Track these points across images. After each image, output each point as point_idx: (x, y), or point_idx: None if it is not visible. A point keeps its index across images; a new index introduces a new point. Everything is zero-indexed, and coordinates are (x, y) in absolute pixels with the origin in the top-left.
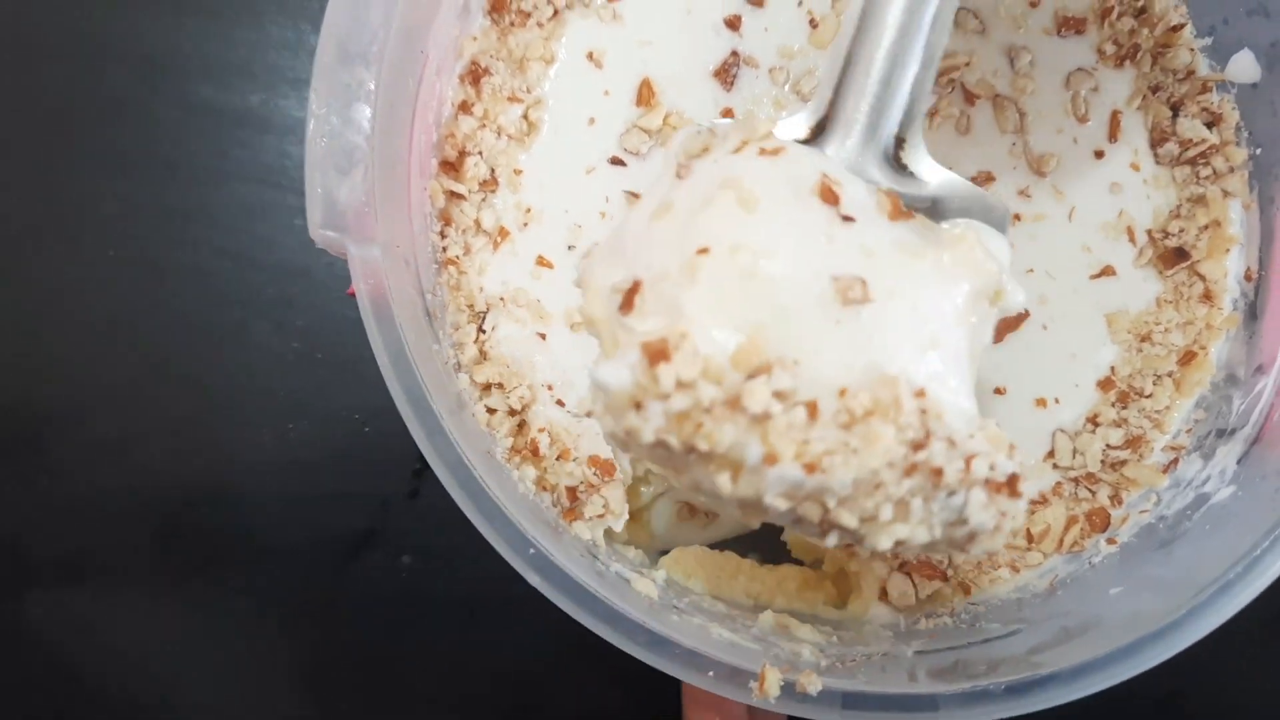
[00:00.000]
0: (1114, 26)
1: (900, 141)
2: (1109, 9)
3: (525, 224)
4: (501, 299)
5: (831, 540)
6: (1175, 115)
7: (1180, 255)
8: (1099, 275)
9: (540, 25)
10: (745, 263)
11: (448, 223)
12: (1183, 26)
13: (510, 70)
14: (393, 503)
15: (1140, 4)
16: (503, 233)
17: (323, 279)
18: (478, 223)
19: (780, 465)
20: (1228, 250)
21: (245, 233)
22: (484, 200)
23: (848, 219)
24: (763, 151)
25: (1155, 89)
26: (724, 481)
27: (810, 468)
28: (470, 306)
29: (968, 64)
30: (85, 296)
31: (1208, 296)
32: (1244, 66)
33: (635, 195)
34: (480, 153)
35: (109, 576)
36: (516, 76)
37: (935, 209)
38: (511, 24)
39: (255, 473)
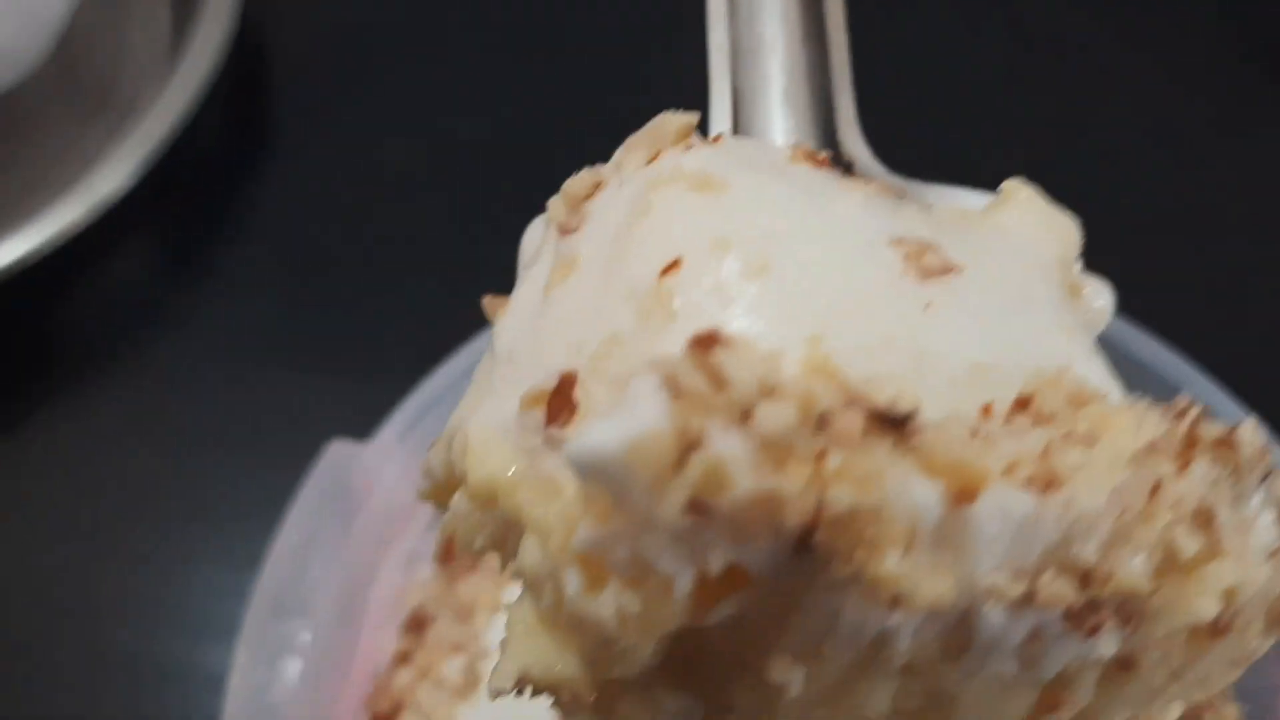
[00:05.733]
0: None
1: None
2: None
3: None
4: None
5: (1105, 648)
6: None
7: None
8: None
9: (493, 570)
10: (748, 255)
11: None
12: None
13: (455, 618)
14: None
15: None
16: None
17: None
18: None
19: (990, 492)
20: None
21: None
22: None
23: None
24: (690, 148)
25: None
26: (893, 568)
27: (1045, 481)
28: None
29: None
30: None
31: None
32: None
33: (497, 302)
34: (417, 705)
35: None
36: (462, 625)
37: None
38: (463, 571)
39: None
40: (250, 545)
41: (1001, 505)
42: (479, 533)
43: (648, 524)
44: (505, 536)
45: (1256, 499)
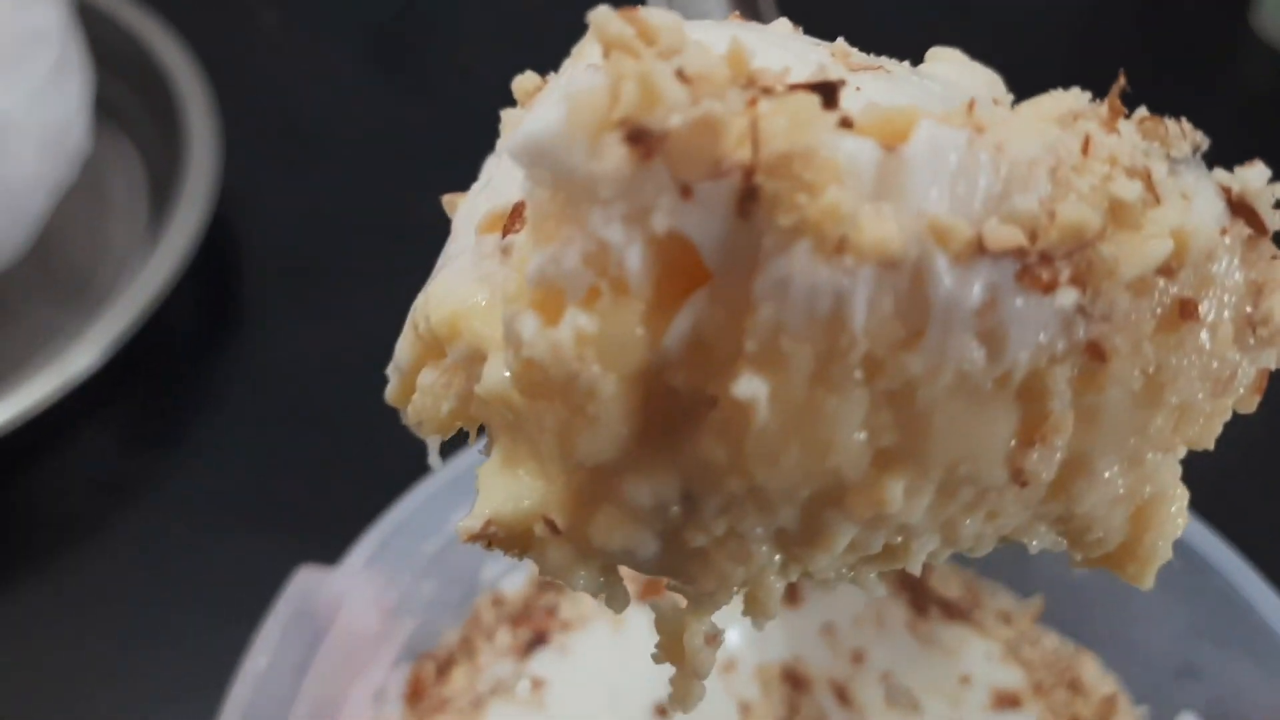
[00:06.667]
0: (1049, 698)
1: None
2: (1041, 683)
3: None
4: None
5: (1064, 300)
6: None
7: None
8: None
9: (461, 712)
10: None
11: None
12: (1116, 695)
13: None
14: None
15: (1070, 676)
16: None
17: None
18: None
19: (921, 129)
20: None
21: None
22: None
23: None
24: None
25: None
26: (835, 201)
27: (975, 128)
28: None
29: None
30: None
31: None
32: None
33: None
34: None
35: None
36: None
37: None
38: (430, 711)
39: None
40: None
41: (934, 143)
42: (445, 396)
43: (592, 194)
44: (470, 387)
45: (1190, 174)
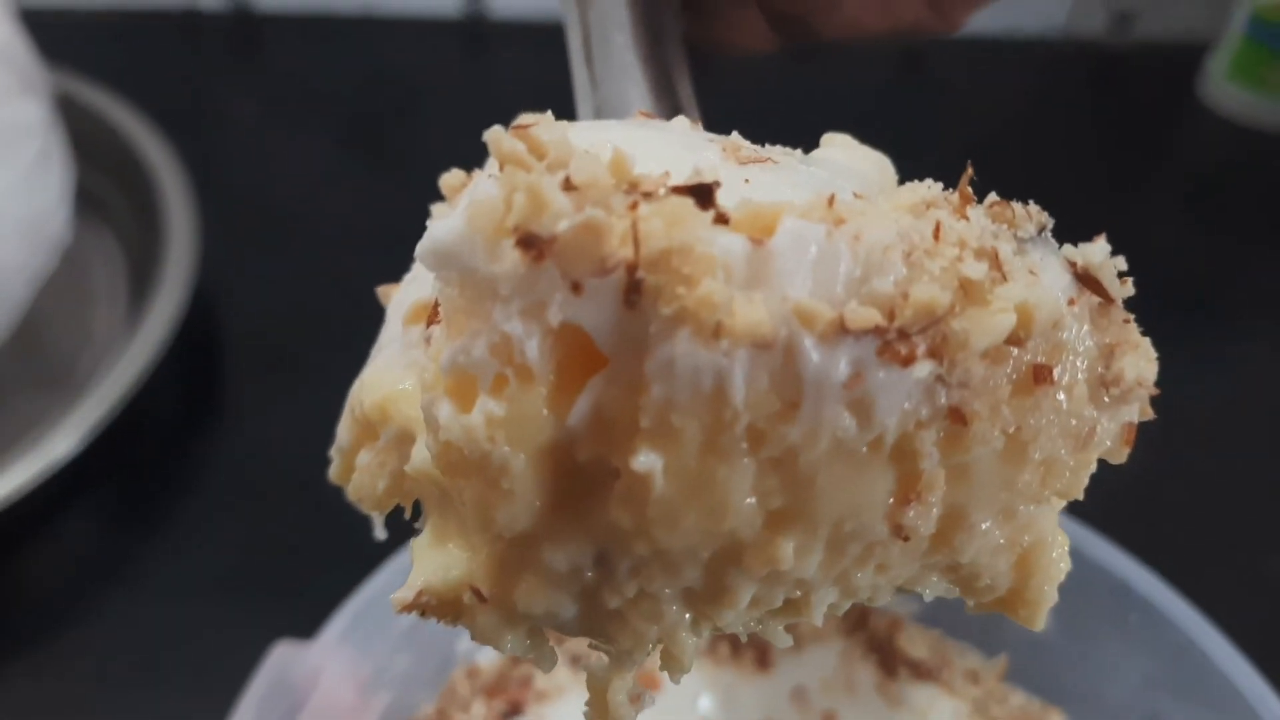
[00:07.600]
0: None
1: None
2: None
3: None
4: None
5: (920, 373)
6: None
7: None
8: None
9: None
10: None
11: None
12: None
13: None
14: None
15: None
16: None
17: None
18: None
19: (786, 223)
20: None
21: None
22: None
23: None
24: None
25: None
26: (710, 292)
27: (834, 220)
28: None
29: None
30: None
31: None
32: None
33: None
34: None
35: None
36: None
37: None
38: None
39: None
40: None
41: (797, 235)
42: (380, 475)
43: (493, 292)
44: (401, 467)
45: (1038, 252)
